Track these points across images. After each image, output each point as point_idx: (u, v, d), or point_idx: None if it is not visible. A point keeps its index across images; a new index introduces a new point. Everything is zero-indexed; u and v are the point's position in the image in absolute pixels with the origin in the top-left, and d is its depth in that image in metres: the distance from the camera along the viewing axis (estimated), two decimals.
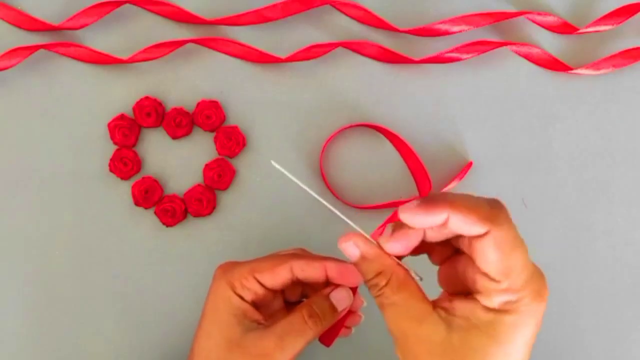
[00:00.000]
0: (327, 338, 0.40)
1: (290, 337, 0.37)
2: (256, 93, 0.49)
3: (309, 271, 0.38)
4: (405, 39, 0.50)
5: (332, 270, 0.38)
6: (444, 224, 0.31)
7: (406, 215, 0.32)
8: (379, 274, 0.33)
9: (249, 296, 0.38)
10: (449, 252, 0.35)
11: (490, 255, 0.30)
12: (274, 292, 0.39)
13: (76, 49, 0.48)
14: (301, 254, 0.40)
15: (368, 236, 0.34)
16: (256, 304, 0.39)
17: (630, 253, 0.50)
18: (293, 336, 0.37)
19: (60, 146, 0.48)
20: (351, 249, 0.34)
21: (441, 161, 0.50)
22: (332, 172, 0.49)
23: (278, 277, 0.38)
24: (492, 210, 0.31)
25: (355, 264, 0.34)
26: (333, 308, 0.38)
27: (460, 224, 0.31)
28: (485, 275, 0.31)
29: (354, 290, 0.39)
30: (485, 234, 0.31)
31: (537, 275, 0.32)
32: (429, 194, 0.35)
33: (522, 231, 0.49)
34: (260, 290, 0.38)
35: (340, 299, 0.39)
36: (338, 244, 0.34)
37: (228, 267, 0.39)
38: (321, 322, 0.38)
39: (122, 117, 0.48)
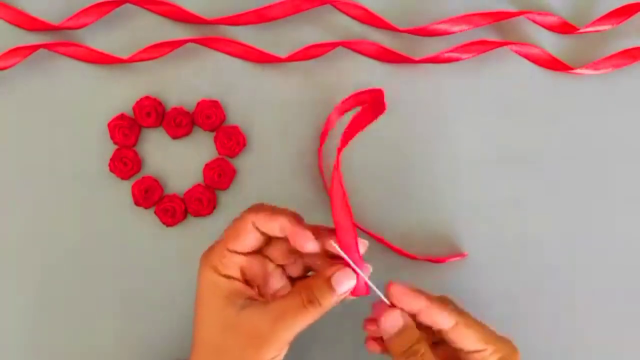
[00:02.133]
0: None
1: (286, 320, 0.36)
2: (256, 93, 0.49)
3: (269, 227, 0.38)
4: (405, 38, 0.50)
5: (285, 231, 0.37)
6: (418, 313, 0.38)
7: (397, 289, 0.38)
8: (419, 340, 0.38)
9: (234, 272, 0.38)
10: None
11: (469, 336, 0.38)
12: (259, 257, 0.39)
13: (76, 49, 0.48)
14: (258, 207, 0.38)
15: (386, 300, 0.38)
16: (248, 279, 0.38)
17: (631, 253, 0.50)
18: (289, 319, 0.36)
19: (60, 146, 0.48)
20: (395, 321, 0.38)
21: (440, 161, 0.50)
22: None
23: (247, 238, 0.38)
24: (452, 304, 0.39)
25: (395, 335, 0.38)
26: (334, 291, 0.37)
27: (433, 317, 0.38)
28: (474, 351, 0.38)
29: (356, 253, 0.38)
30: (455, 324, 0.38)
31: (505, 337, 0.40)
32: (413, 287, 0.39)
33: (521, 229, 0.49)
34: (241, 260, 0.38)
35: (341, 282, 0.37)
36: (381, 318, 0.38)
37: (207, 251, 0.39)
38: (321, 306, 0.36)
39: (122, 116, 0.48)
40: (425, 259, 0.48)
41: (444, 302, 0.39)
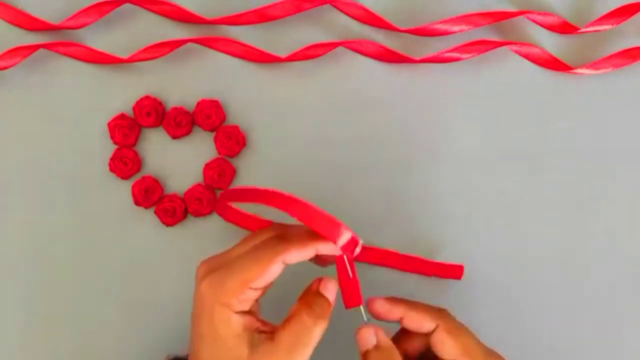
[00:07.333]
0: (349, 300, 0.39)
1: (299, 348, 0.36)
2: (256, 93, 0.49)
3: (302, 258, 0.37)
4: (405, 38, 0.50)
5: (324, 251, 0.38)
6: (401, 320, 0.40)
7: (377, 304, 0.40)
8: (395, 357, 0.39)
9: (247, 306, 0.37)
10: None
11: (448, 342, 0.38)
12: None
13: (76, 49, 0.48)
14: (287, 239, 0.37)
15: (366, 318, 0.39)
16: (254, 309, 0.38)
17: (630, 253, 0.50)
18: (302, 346, 0.36)
19: (60, 146, 0.48)
20: (370, 338, 0.39)
21: (440, 161, 0.50)
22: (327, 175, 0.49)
23: (271, 275, 0.36)
24: (438, 311, 0.40)
25: (367, 351, 0.38)
26: (328, 302, 0.38)
27: (415, 321, 0.39)
28: None
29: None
30: (436, 327, 0.39)
31: (494, 354, 0.39)
32: (392, 297, 0.40)
33: (522, 230, 0.49)
34: (256, 295, 0.37)
35: (330, 290, 0.38)
36: (357, 332, 0.39)
37: (215, 283, 0.36)
38: (323, 320, 0.37)
39: (122, 116, 0.48)
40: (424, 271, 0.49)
41: (437, 310, 0.40)
